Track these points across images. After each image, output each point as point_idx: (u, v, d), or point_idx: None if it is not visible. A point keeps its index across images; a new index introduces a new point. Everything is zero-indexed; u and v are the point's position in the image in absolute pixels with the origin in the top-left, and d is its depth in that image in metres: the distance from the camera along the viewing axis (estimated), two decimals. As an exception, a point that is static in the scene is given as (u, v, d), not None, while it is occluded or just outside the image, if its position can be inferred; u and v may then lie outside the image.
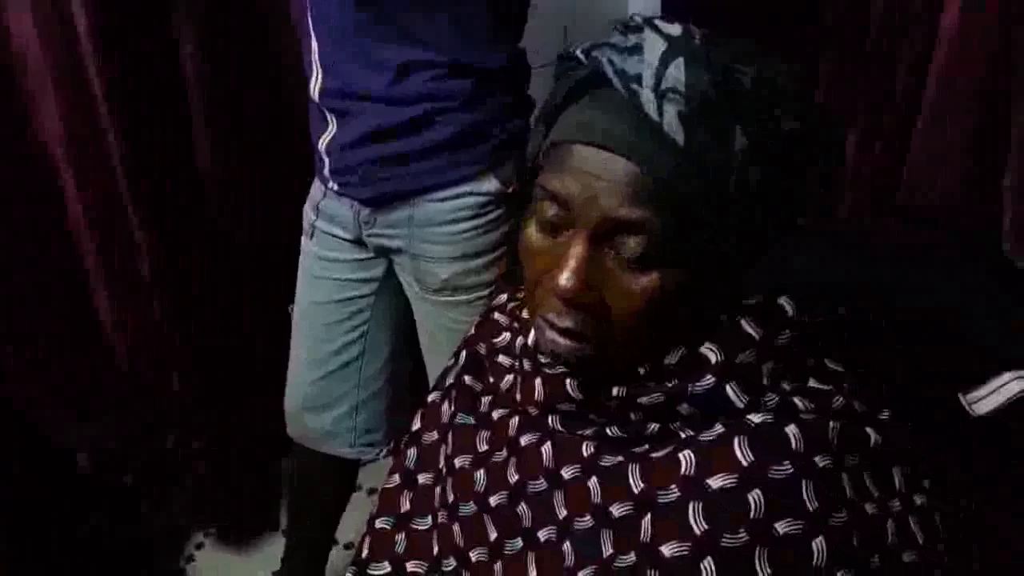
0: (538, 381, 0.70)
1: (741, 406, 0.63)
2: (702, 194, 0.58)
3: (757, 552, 0.58)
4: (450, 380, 0.86)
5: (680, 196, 0.57)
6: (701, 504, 0.59)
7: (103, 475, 1.61)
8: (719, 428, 0.62)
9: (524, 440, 0.72)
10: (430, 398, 0.87)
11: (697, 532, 0.59)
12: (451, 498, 0.77)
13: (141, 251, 1.49)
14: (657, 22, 0.60)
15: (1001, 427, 0.96)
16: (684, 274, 0.60)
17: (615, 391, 0.65)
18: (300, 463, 1.46)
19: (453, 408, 0.82)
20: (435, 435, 0.84)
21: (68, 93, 1.36)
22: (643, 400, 0.65)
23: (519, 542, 0.70)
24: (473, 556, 0.73)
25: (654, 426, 0.65)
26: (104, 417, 1.60)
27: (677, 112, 0.56)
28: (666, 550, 0.59)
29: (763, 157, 0.58)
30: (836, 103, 1.55)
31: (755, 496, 0.58)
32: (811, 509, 0.59)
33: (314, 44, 1.13)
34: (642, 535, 0.61)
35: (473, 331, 0.86)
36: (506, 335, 0.81)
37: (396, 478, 0.85)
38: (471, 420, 0.79)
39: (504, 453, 0.74)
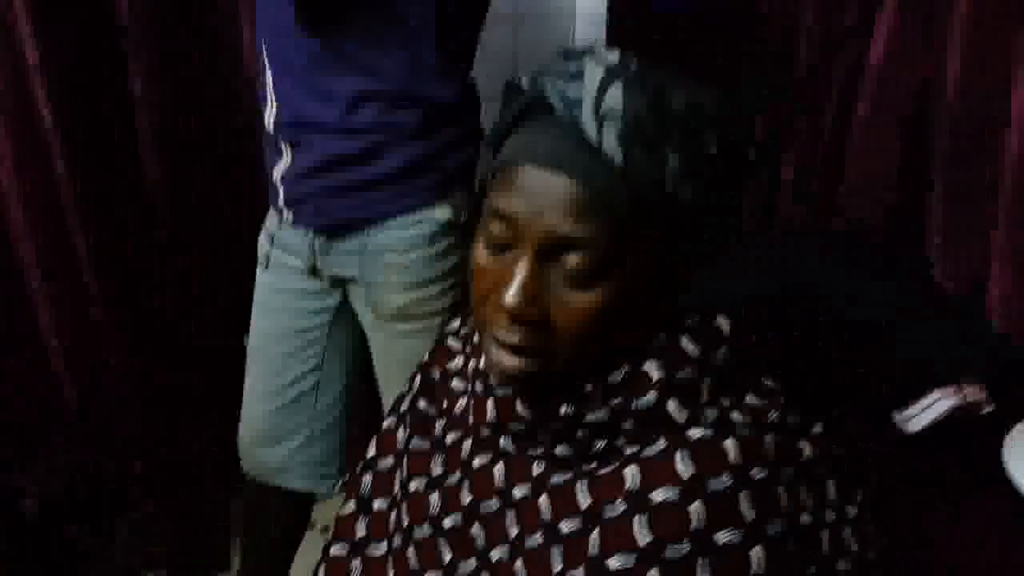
0: (490, 403, 0.72)
1: (682, 421, 0.66)
2: (639, 210, 0.61)
3: (699, 562, 0.60)
4: (405, 406, 0.87)
5: (619, 212, 0.61)
6: (645, 517, 0.62)
7: (50, 515, 1.58)
8: (662, 443, 0.65)
9: (477, 462, 0.74)
10: (385, 424, 0.88)
11: (642, 544, 0.61)
12: (406, 522, 0.78)
13: (91, 289, 1.48)
14: (597, 50, 0.64)
15: (933, 442, 1.01)
16: (625, 289, 0.63)
17: (563, 410, 0.68)
18: (252, 499, 1.44)
19: (408, 433, 0.84)
20: (390, 461, 0.85)
21: (19, 127, 1.35)
22: (589, 418, 0.67)
23: (473, 562, 0.72)
24: None
25: (600, 443, 0.68)
26: (52, 456, 1.57)
27: (615, 133, 0.60)
28: (613, 563, 0.62)
29: (694, 175, 0.62)
30: (771, 128, 1.61)
31: (696, 507, 0.61)
32: (749, 519, 0.61)
33: (269, 76, 1.15)
34: (590, 549, 0.63)
35: (427, 357, 0.88)
36: (459, 360, 0.83)
37: (351, 505, 0.86)
38: (426, 444, 0.81)
39: (458, 475, 0.76)
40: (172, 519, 1.69)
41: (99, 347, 1.52)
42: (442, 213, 1.15)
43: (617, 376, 0.68)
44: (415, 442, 0.82)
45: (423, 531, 0.76)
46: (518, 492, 0.70)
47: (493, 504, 0.71)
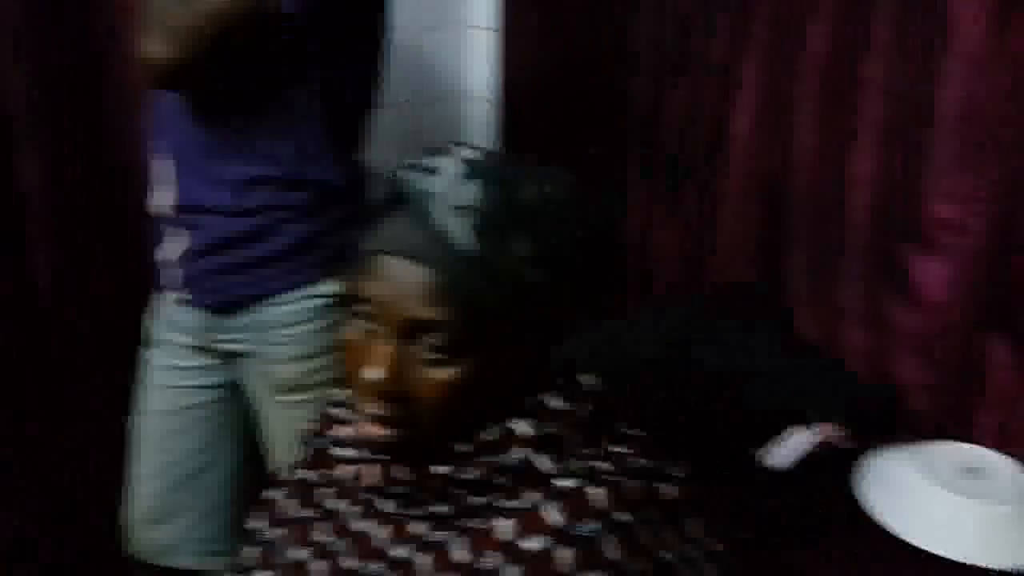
0: (371, 469, 0.75)
1: (552, 473, 0.70)
2: (492, 295, 0.66)
3: None
4: (289, 476, 0.89)
5: (472, 297, 0.65)
6: (519, 568, 0.65)
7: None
8: (533, 496, 0.68)
9: (360, 526, 0.76)
10: (268, 495, 0.89)
11: None
12: None
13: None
14: (457, 148, 0.69)
15: (794, 479, 1.08)
16: (483, 364, 0.67)
17: (440, 470, 0.71)
18: None
19: (295, 502, 0.85)
20: (275, 531, 0.86)
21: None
22: (464, 476, 0.70)
23: None
24: None
25: (478, 499, 0.71)
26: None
27: (466, 224, 0.65)
28: None
29: (545, 261, 0.67)
30: (645, 201, 1.71)
31: (565, 554, 0.64)
32: (612, 559, 0.65)
33: (164, 161, 1.17)
34: None
35: (315, 426, 0.90)
36: (344, 429, 0.85)
37: None
38: (310, 512, 0.82)
39: (343, 542, 0.77)
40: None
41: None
42: (330, 288, 1.18)
43: (489, 435, 0.71)
44: (301, 511, 0.83)
45: None
46: (400, 553, 0.72)
47: (378, 568, 0.73)
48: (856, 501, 1.03)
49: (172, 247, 1.19)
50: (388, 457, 0.73)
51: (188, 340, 1.24)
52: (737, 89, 1.51)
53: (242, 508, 1.35)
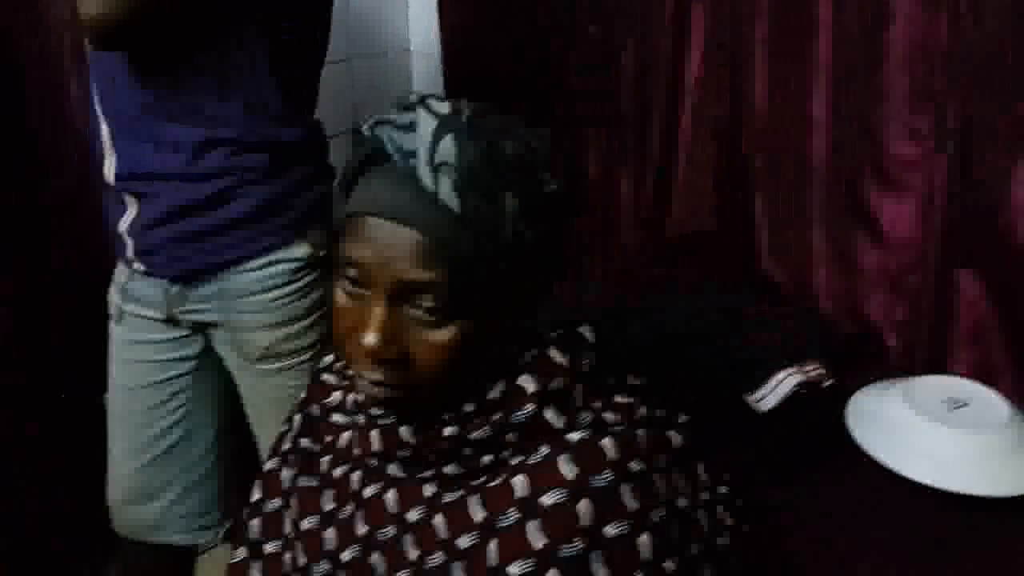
0: (374, 433, 0.72)
1: (560, 427, 0.68)
2: (481, 252, 0.63)
3: (592, 556, 0.62)
4: (287, 445, 0.85)
5: (462, 255, 0.63)
6: (537, 521, 0.63)
7: None
8: (544, 450, 0.67)
9: (368, 492, 0.73)
10: (268, 466, 0.86)
11: (537, 548, 0.62)
12: (302, 561, 0.76)
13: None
14: (429, 101, 0.65)
15: (783, 418, 1.08)
16: (477, 322, 0.65)
17: (447, 431, 0.68)
18: (129, 561, 1.35)
19: (294, 472, 0.82)
20: (277, 502, 0.83)
21: None
22: (474, 435, 0.68)
23: None
24: None
25: (487, 458, 0.69)
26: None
27: (451, 183, 0.62)
28: (513, 569, 0.62)
29: (532, 215, 0.65)
30: (605, 154, 1.68)
31: (584, 505, 0.63)
32: (633, 510, 0.64)
33: (104, 128, 1.10)
34: (490, 560, 0.64)
35: (305, 394, 0.86)
36: (337, 394, 0.82)
37: (242, 551, 0.82)
38: (313, 482, 0.79)
39: (350, 508, 0.75)
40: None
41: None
42: (301, 250, 1.13)
43: (495, 393, 0.69)
44: (302, 480, 0.80)
45: (322, 568, 0.74)
46: (412, 516, 0.70)
47: (390, 531, 0.71)
48: (847, 437, 1.03)
49: (122, 218, 1.13)
50: (391, 419, 0.71)
51: (154, 313, 1.18)
52: (687, 35, 1.49)
53: (227, 478, 1.32)
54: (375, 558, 0.71)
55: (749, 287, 1.41)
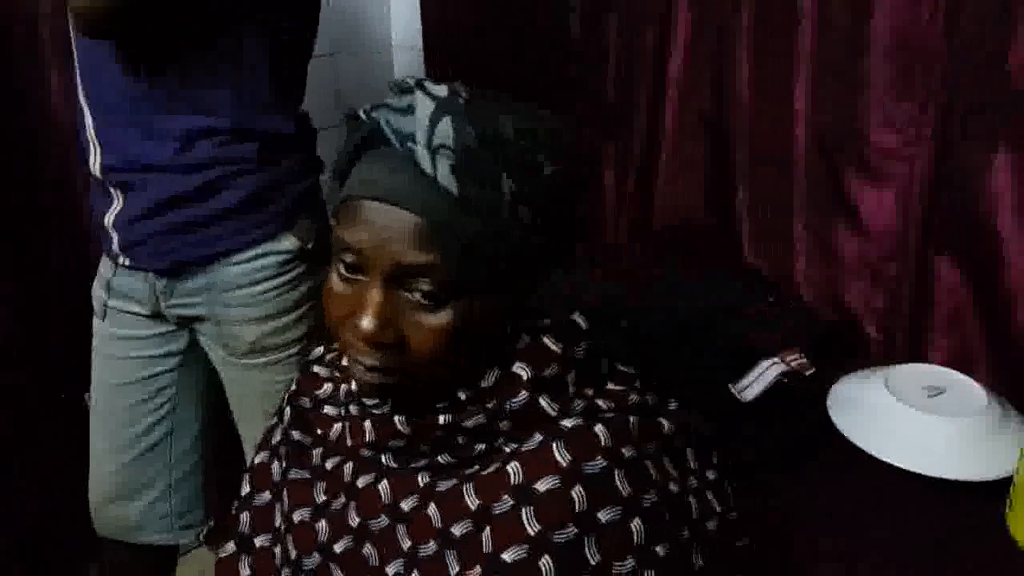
0: (367, 423, 0.72)
1: (554, 414, 0.68)
2: (480, 235, 0.63)
3: (586, 541, 0.62)
4: (277, 438, 0.84)
5: (460, 239, 0.62)
6: (531, 508, 0.63)
7: None
8: (538, 437, 0.67)
9: (361, 482, 0.73)
10: (257, 459, 0.85)
11: (532, 534, 0.62)
12: (293, 554, 0.75)
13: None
14: (427, 84, 0.64)
15: (767, 407, 1.09)
16: (474, 307, 0.64)
17: (441, 420, 0.68)
18: (111, 562, 1.33)
19: (285, 465, 0.81)
20: (267, 495, 0.82)
21: None
22: (467, 423, 0.68)
23: None
24: None
25: (480, 446, 0.69)
26: None
27: (449, 165, 0.61)
28: (507, 556, 0.62)
29: (530, 198, 0.64)
30: (589, 147, 1.68)
31: (577, 492, 0.63)
32: (625, 495, 0.64)
33: (89, 119, 1.09)
34: (484, 547, 0.64)
35: (295, 386, 0.85)
36: (328, 386, 0.81)
37: (231, 546, 0.82)
38: (305, 474, 0.79)
39: (343, 499, 0.74)
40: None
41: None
42: (288, 243, 1.13)
43: (488, 380, 0.69)
44: (294, 473, 0.79)
45: (313, 560, 0.74)
46: (406, 505, 0.70)
47: (383, 521, 0.70)
48: (829, 425, 1.04)
49: (108, 211, 1.11)
50: (385, 408, 0.70)
51: (140, 308, 1.17)
52: (671, 25, 1.49)
53: (209, 475, 1.30)
54: (367, 549, 0.71)
55: (734, 277, 1.42)
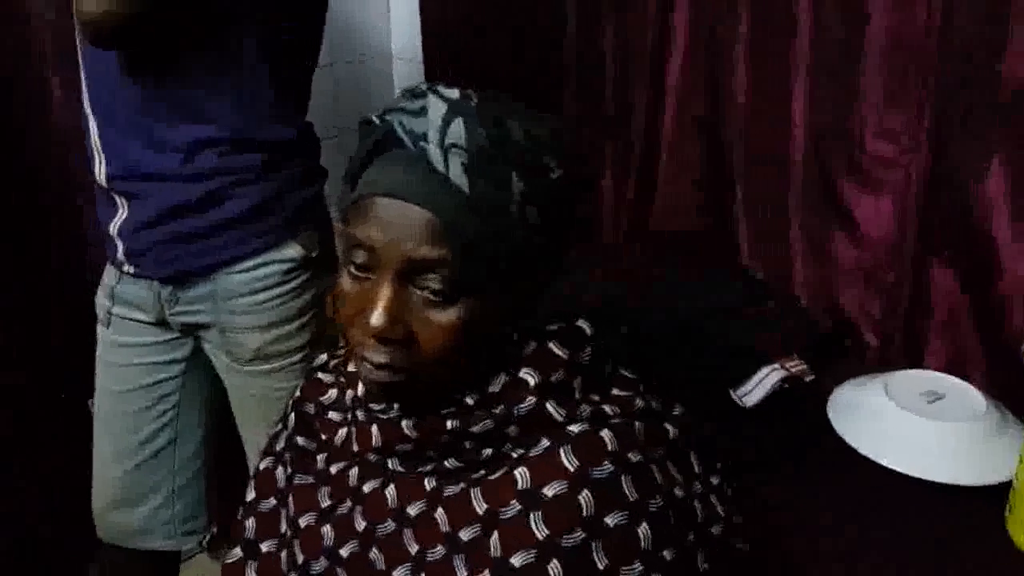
0: (374, 428, 0.71)
1: (560, 419, 0.68)
2: (488, 233, 0.63)
3: (593, 546, 0.62)
4: (281, 444, 0.84)
5: (470, 236, 0.63)
6: (539, 513, 0.63)
7: None
8: (545, 442, 0.66)
9: (367, 487, 0.73)
10: (262, 465, 0.84)
11: (540, 538, 0.62)
12: (300, 559, 0.75)
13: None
14: (439, 88, 0.66)
15: (768, 413, 1.09)
16: (483, 304, 0.65)
17: (449, 425, 0.68)
18: (110, 565, 1.32)
19: (290, 471, 0.81)
20: (272, 501, 0.82)
21: None
22: (475, 429, 0.68)
23: None
24: None
25: (487, 451, 0.69)
26: None
27: (461, 164, 0.62)
28: (516, 560, 0.62)
29: (537, 199, 0.65)
30: (588, 152, 1.68)
31: (584, 496, 0.63)
32: (632, 499, 0.64)
33: (93, 128, 1.08)
34: (492, 552, 0.64)
35: (299, 392, 0.85)
36: (333, 391, 0.81)
37: (237, 551, 0.81)
38: (309, 479, 0.78)
39: (348, 504, 0.74)
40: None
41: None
42: (292, 251, 1.12)
43: (495, 386, 0.69)
44: (298, 478, 0.79)
45: (320, 565, 0.73)
46: (413, 510, 0.69)
47: (389, 526, 0.70)
48: (829, 429, 1.04)
49: (113, 219, 1.11)
50: (391, 414, 0.70)
51: (144, 316, 1.17)
52: (669, 28, 1.49)
53: (211, 481, 1.30)
54: (373, 553, 0.70)
55: (733, 282, 1.42)
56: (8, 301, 1.45)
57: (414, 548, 0.68)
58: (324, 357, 0.87)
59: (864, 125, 1.25)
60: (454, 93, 0.65)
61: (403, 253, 0.62)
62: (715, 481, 0.80)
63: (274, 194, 1.11)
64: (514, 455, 0.68)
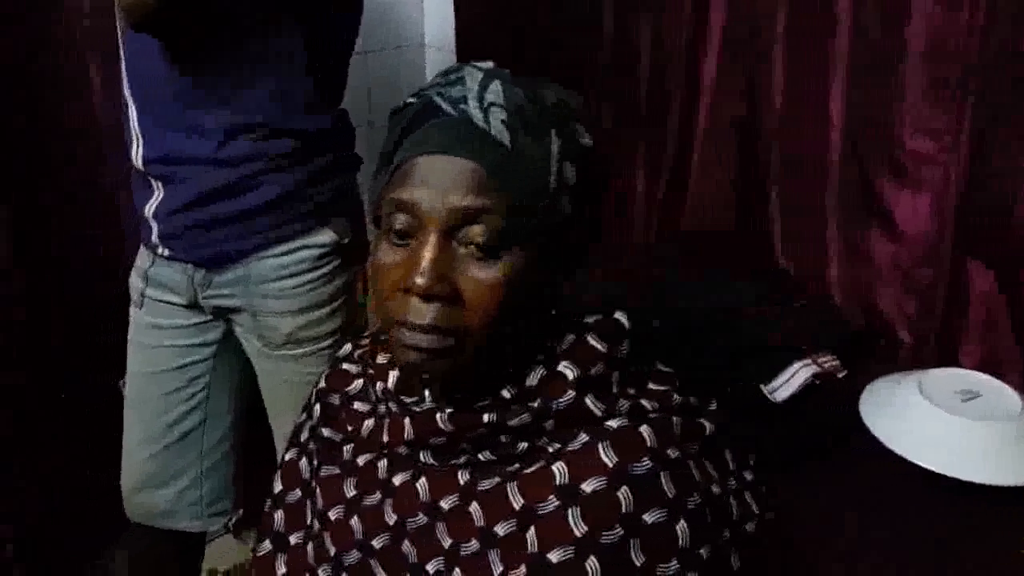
0: (407, 421, 0.70)
1: (599, 414, 0.66)
2: (530, 185, 0.63)
3: (631, 544, 0.61)
4: (305, 435, 0.83)
5: (512, 188, 0.63)
6: (578, 508, 0.62)
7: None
8: (583, 437, 0.65)
9: (397, 480, 0.71)
10: (287, 456, 0.83)
11: (578, 534, 0.61)
12: (332, 551, 0.74)
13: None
14: (472, 63, 0.68)
15: (798, 408, 1.07)
16: (527, 260, 0.64)
17: (485, 418, 0.66)
18: (139, 547, 1.33)
19: (316, 462, 0.79)
20: (298, 493, 0.81)
21: None
22: (512, 422, 0.66)
23: None
24: None
25: (523, 444, 0.67)
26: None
27: (501, 120, 0.63)
28: (554, 556, 0.61)
29: (574, 159, 0.66)
30: (621, 151, 1.66)
31: (623, 493, 0.61)
32: (671, 496, 0.62)
33: (133, 112, 1.08)
34: (529, 547, 0.62)
35: (323, 383, 0.83)
36: (358, 382, 0.80)
37: (267, 544, 0.80)
38: (335, 470, 0.77)
39: (377, 496, 0.72)
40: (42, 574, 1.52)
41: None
42: (325, 236, 1.12)
43: (533, 379, 0.68)
44: (325, 470, 0.78)
45: (352, 557, 0.72)
46: (446, 503, 0.68)
47: (421, 519, 0.69)
48: (860, 426, 1.02)
49: (148, 202, 1.11)
50: (426, 405, 0.69)
51: (177, 298, 1.16)
52: (705, 27, 1.47)
53: (239, 465, 1.29)
54: (406, 546, 0.69)
55: (765, 279, 1.39)
56: (8, 299, 1.45)
57: (447, 542, 0.67)
58: (348, 347, 0.86)
59: (903, 123, 1.22)
60: (488, 64, 0.68)
61: (449, 206, 0.62)
62: (749, 477, 0.78)
63: (307, 181, 1.10)
64: (550, 449, 0.66)
